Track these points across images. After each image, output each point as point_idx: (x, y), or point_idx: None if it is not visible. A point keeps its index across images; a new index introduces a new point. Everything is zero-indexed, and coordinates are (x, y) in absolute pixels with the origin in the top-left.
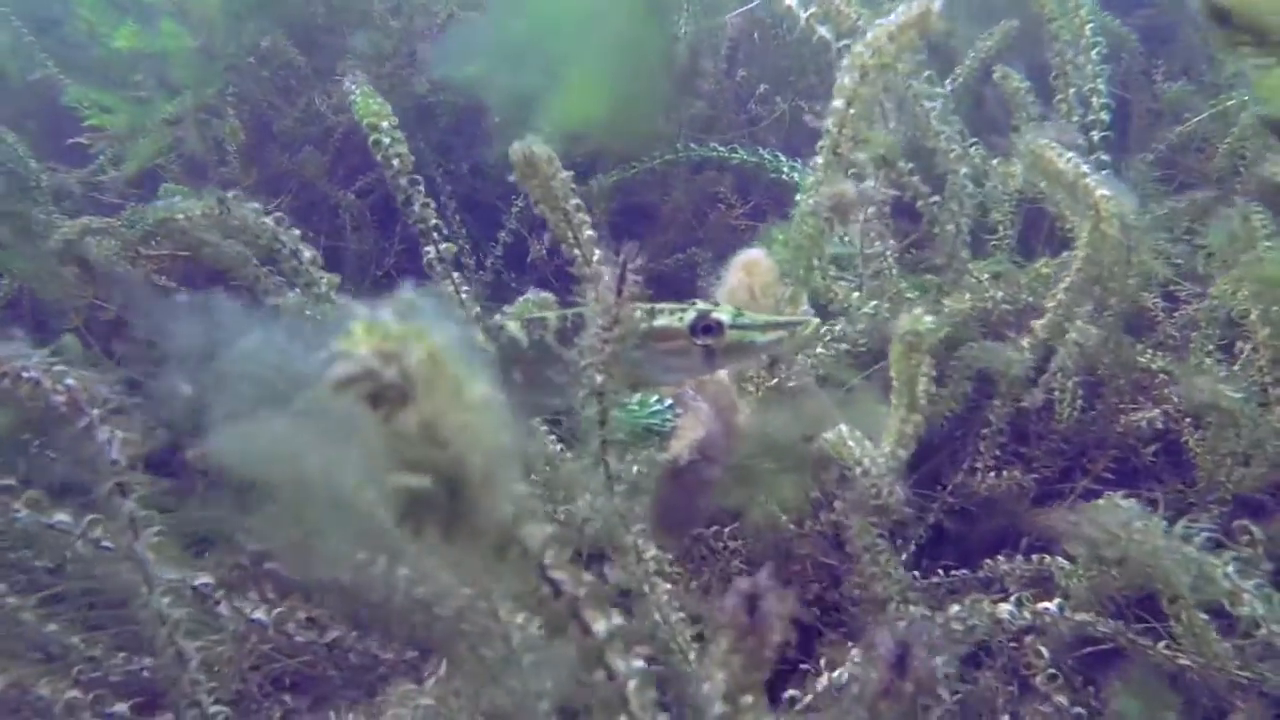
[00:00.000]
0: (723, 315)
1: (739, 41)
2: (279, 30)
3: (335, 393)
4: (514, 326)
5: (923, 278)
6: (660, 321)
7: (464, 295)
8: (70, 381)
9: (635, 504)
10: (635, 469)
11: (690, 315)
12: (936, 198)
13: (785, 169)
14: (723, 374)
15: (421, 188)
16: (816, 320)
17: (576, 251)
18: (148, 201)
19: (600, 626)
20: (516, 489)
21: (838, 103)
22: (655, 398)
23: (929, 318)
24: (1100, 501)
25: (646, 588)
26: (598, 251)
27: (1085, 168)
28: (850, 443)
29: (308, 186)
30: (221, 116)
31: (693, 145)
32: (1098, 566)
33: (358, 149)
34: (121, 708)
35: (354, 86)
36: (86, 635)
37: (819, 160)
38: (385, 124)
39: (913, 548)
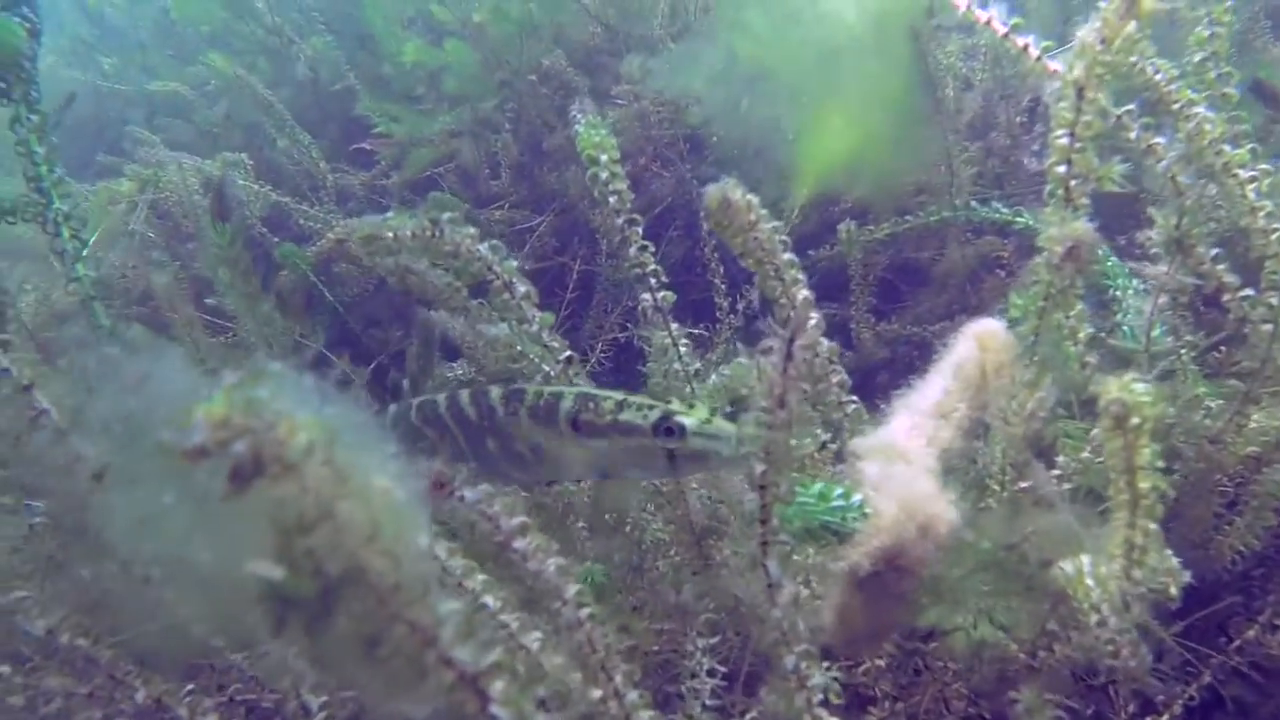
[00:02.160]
0: (688, 420)
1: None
2: (558, 50)
3: (188, 462)
4: (495, 395)
5: (1226, 383)
6: (625, 415)
7: (681, 346)
8: None
9: (799, 618)
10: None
11: (655, 414)
12: (1249, 290)
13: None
14: (919, 469)
15: (640, 229)
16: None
17: (790, 314)
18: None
19: None
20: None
21: (1058, 134)
22: (840, 491)
23: (1142, 386)
24: None
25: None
26: (814, 316)
27: None
28: (1090, 580)
29: (571, 207)
30: (498, 131)
31: (974, 203)
32: None
33: (627, 175)
34: None
35: (579, 116)
36: None
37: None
38: (605, 157)
39: (1178, 711)
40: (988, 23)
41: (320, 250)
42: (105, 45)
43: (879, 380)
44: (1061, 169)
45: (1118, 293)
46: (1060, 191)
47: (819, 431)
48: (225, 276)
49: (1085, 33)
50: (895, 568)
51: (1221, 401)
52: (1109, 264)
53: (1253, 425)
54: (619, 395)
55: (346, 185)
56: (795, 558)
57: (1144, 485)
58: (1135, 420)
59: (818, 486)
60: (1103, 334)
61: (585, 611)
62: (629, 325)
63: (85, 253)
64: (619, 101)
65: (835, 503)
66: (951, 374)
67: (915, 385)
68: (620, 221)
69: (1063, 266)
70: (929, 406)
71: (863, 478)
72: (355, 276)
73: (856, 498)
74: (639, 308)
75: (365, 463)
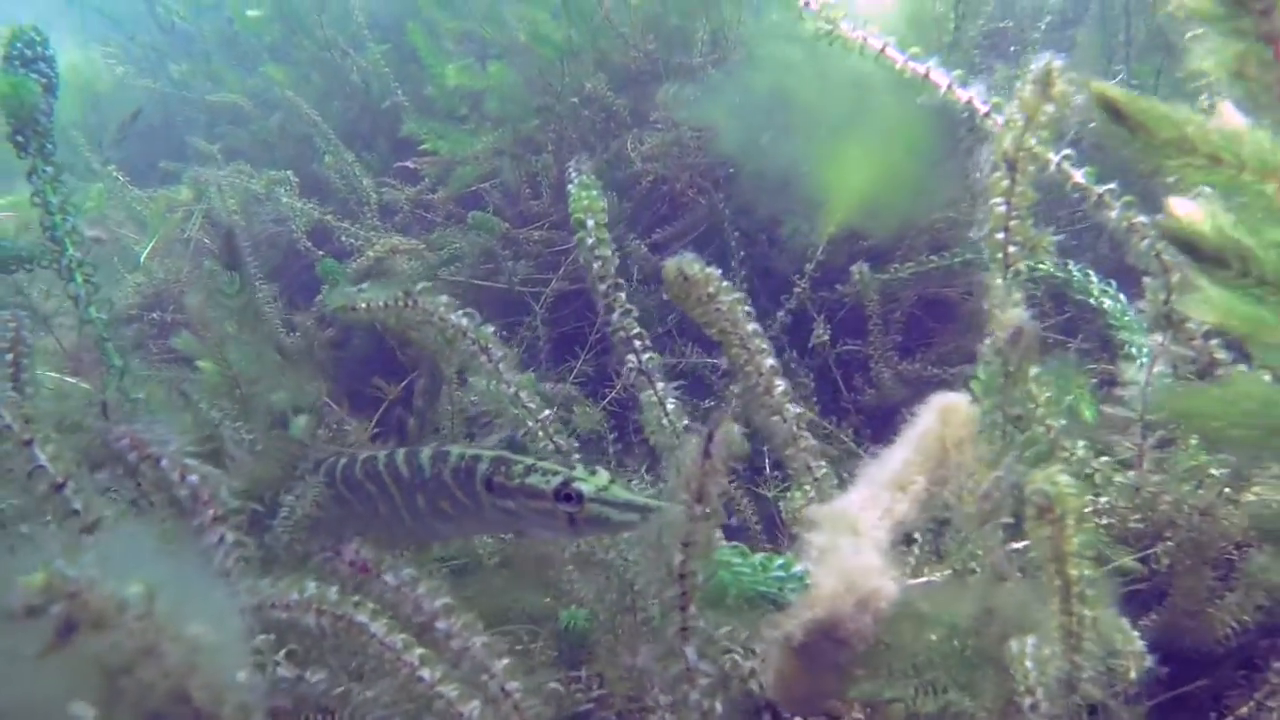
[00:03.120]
0: (586, 487)
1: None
2: (600, 74)
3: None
4: (425, 455)
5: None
6: (531, 479)
7: (668, 404)
8: None
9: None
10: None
11: (556, 481)
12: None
13: (1094, 293)
14: (867, 542)
15: (623, 294)
16: (678, 509)
17: (757, 380)
18: (462, 224)
19: None
20: None
21: (995, 201)
22: (781, 561)
23: (1066, 478)
24: None
25: None
26: (780, 384)
27: None
28: (1027, 661)
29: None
30: (539, 152)
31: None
32: None
33: (663, 199)
34: None
35: (575, 174)
36: None
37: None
38: (592, 221)
39: None
40: (968, 103)
41: (360, 267)
42: (174, 53)
43: (898, 422)
44: (999, 236)
45: (1131, 349)
46: (999, 256)
47: (796, 493)
48: (231, 328)
49: (1008, 110)
50: (831, 639)
51: (1225, 470)
52: (1124, 318)
53: (1254, 498)
54: (530, 461)
55: (392, 200)
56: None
57: (1074, 573)
58: (1058, 511)
59: (759, 557)
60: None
61: (513, 684)
62: (661, 352)
63: (143, 258)
64: (658, 127)
65: (775, 573)
66: (913, 446)
67: (879, 455)
68: (604, 287)
69: (1010, 351)
70: (887, 478)
71: (808, 548)
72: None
73: (798, 568)
74: (625, 368)
75: (186, 610)
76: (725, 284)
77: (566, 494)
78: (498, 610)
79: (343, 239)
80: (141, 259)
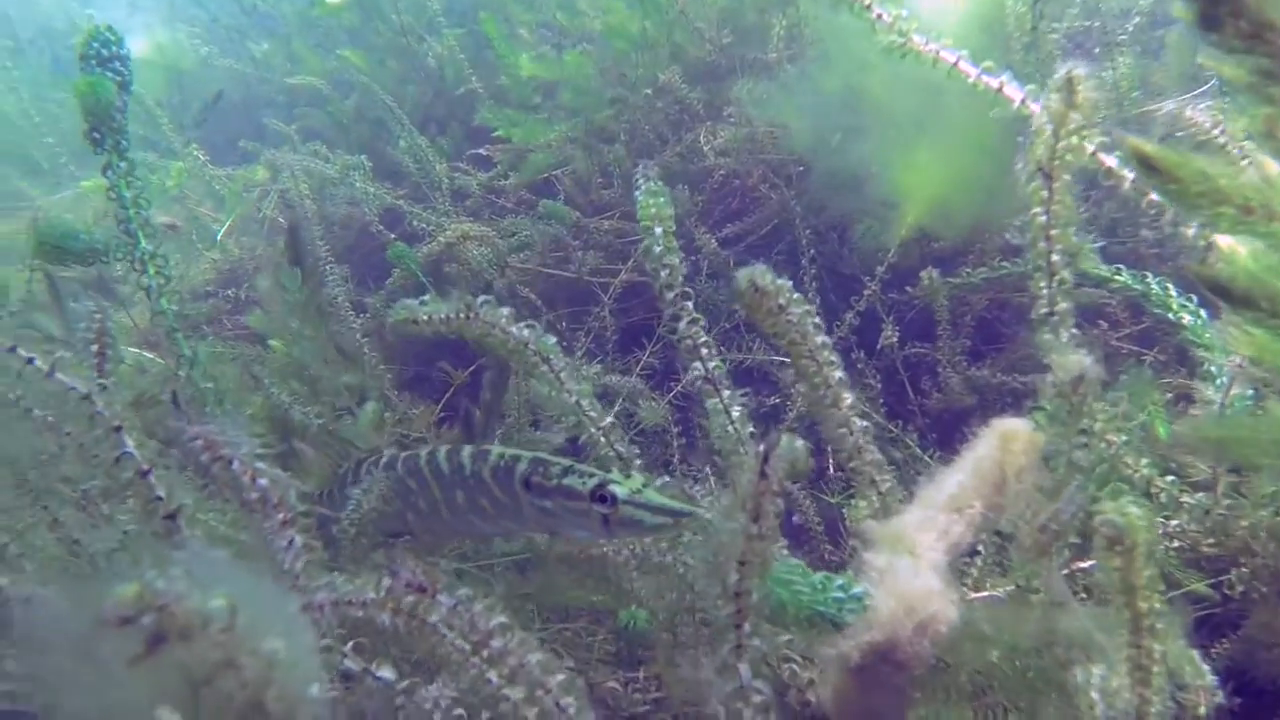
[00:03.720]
0: (620, 489)
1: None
2: (674, 66)
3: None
4: (466, 454)
5: None
6: (568, 480)
7: (734, 411)
8: None
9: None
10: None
11: (592, 482)
12: None
13: (1173, 306)
14: (925, 563)
15: (690, 303)
16: (709, 515)
17: (825, 392)
18: (533, 211)
19: None
20: None
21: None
22: (840, 581)
23: (1137, 510)
24: None
25: None
26: (847, 396)
27: None
28: (1093, 693)
29: (680, 222)
30: (611, 141)
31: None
32: None
33: (735, 194)
34: None
35: (642, 180)
36: None
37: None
38: (660, 229)
39: None
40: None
41: (430, 251)
42: (255, 34)
43: (963, 429)
44: (1041, 244)
45: (1210, 367)
46: (1042, 265)
47: (860, 504)
48: (295, 325)
49: (1035, 118)
50: (889, 661)
51: None
52: (1204, 335)
53: None
54: (567, 462)
55: (464, 186)
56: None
57: (1144, 606)
58: (1129, 543)
59: (818, 576)
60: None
61: (569, 699)
62: (723, 350)
63: (220, 236)
64: (731, 121)
65: (834, 593)
66: (971, 469)
67: (938, 476)
68: (671, 295)
69: (1071, 395)
70: (944, 500)
71: (866, 567)
72: (466, 277)
73: (857, 589)
74: (690, 376)
75: (262, 624)
76: (796, 296)
77: (601, 495)
78: (559, 606)
79: (414, 223)
80: (219, 237)
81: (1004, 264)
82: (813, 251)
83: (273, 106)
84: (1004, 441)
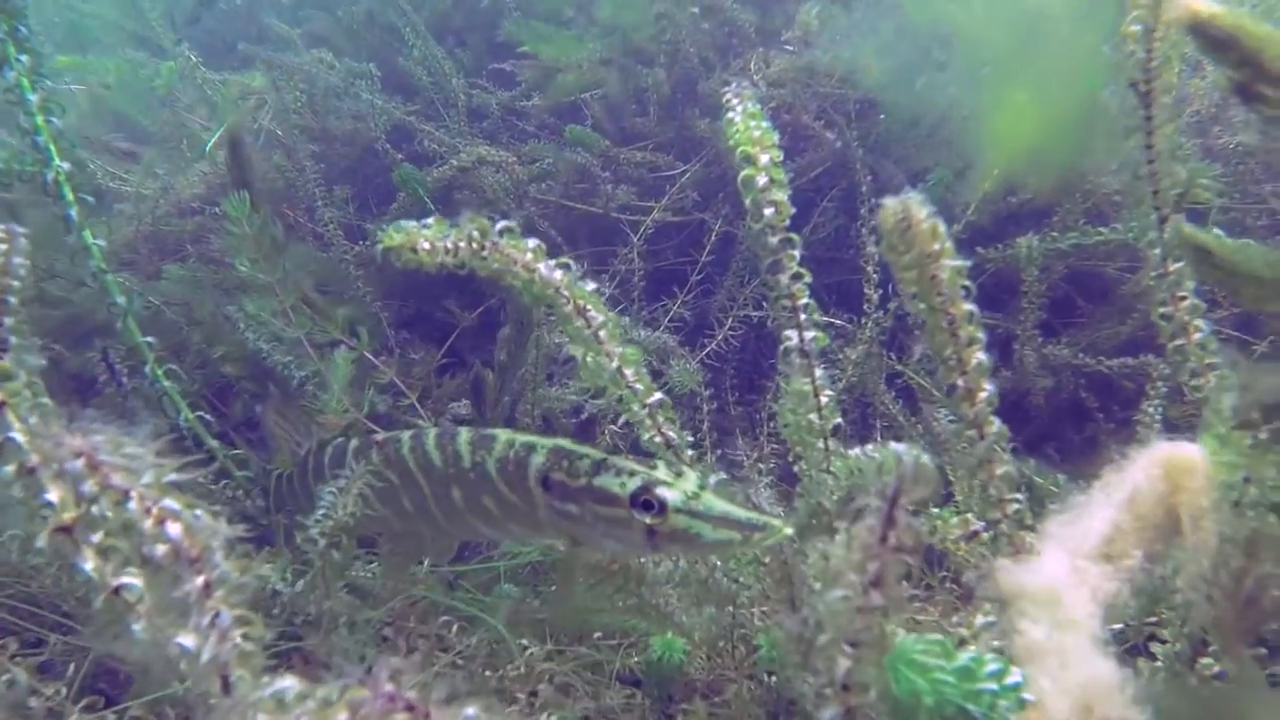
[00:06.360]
0: (672, 494)
1: None
2: None
3: None
4: (464, 440)
5: None
6: (601, 480)
7: (824, 397)
8: None
9: None
10: None
11: (634, 483)
12: None
13: None
14: (1093, 641)
15: (796, 253)
16: (788, 529)
17: (958, 378)
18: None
19: None
20: None
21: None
22: (995, 667)
23: None
24: None
25: None
26: (988, 387)
27: None
28: None
29: (720, 158)
30: (650, 65)
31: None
32: None
33: (784, 130)
34: None
35: (735, 101)
36: None
37: None
38: (767, 158)
39: None
40: None
41: (441, 176)
42: None
43: (1033, 413)
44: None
45: None
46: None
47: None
48: (243, 263)
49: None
50: None
51: None
52: None
53: None
54: (597, 455)
55: (482, 104)
56: None
57: None
58: None
59: (965, 657)
60: None
61: None
62: (765, 303)
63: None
64: (788, 48)
65: (984, 684)
66: (1125, 507)
67: (1075, 511)
68: (775, 241)
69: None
70: (1093, 546)
71: (1021, 641)
72: (479, 207)
73: (1014, 677)
74: (781, 345)
75: None
76: (950, 245)
77: (646, 500)
78: (574, 629)
79: (425, 143)
80: (208, 148)
81: (1099, 229)
82: (873, 200)
83: (277, 8)
84: (1172, 473)
